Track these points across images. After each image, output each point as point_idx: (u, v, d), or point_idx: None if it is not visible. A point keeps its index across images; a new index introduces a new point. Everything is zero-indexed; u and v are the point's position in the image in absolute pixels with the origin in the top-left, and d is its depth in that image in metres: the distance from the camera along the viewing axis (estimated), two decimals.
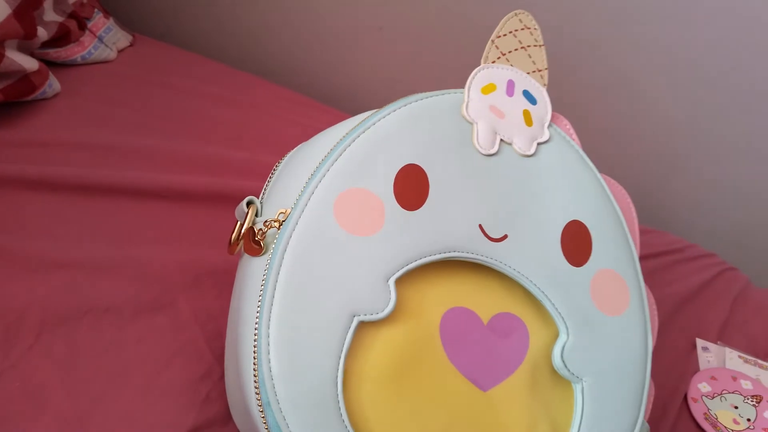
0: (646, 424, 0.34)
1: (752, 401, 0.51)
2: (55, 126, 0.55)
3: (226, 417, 0.36)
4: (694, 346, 0.57)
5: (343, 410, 0.27)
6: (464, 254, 0.32)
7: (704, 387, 0.52)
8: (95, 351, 0.37)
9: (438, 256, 0.31)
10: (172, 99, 0.65)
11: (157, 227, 0.47)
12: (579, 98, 0.79)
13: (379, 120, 0.33)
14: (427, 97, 0.34)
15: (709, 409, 0.50)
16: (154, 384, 0.36)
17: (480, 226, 0.32)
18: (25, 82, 0.54)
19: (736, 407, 0.51)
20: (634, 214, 0.38)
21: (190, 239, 0.47)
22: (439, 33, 0.79)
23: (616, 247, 0.35)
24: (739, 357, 0.56)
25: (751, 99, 0.74)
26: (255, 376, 0.27)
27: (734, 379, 0.53)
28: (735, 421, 0.49)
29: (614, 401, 0.33)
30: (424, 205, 0.31)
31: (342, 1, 0.81)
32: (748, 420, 0.50)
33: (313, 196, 0.30)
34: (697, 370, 0.54)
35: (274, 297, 0.28)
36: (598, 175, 0.37)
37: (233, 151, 0.59)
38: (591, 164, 0.37)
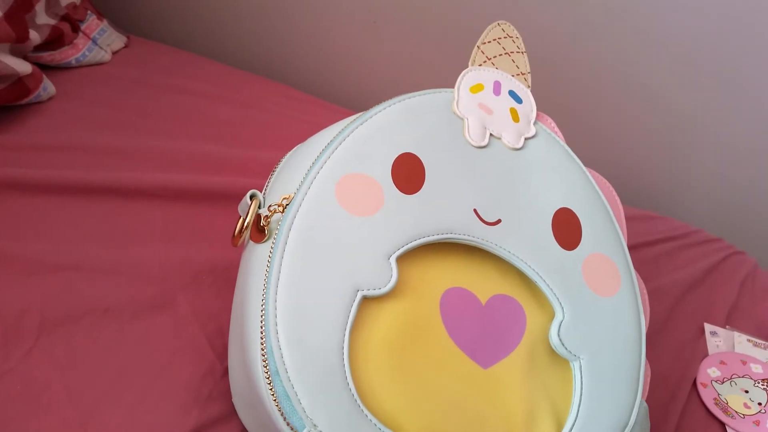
0: (645, 404, 0.34)
1: (763, 385, 0.51)
2: (51, 129, 0.54)
3: (229, 415, 0.36)
4: (703, 330, 0.56)
5: (349, 379, 0.27)
6: (461, 236, 0.33)
7: (713, 372, 0.51)
8: (95, 352, 0.37)
9: (436, 237, 0.32)
10: (167, 99, 0.64)
11: (154, 227, 0.47)
12: (586, 91, 0.79)
13: (376, 114, 0.35)
14: (420, 95, 0.37)
15: (719, 394, 0.49)
16: (156, 384, 0.36)
17: (475, 210, 0.34)
18: (19, 85, 0.54)
19: (747, 391, 0.50)
20: (620, 205, 0.40)
21: (188, 238, 0.46)
22: (434, 26, 0.79)
23: (604, 234, 0.37)
24: (748, 341, 0.55)
25: (755, 85, 0.73)
26: (263, 348, 0.28)
27: (744, 363, 0.53)
28: (746, 405, 0.49)
29: (612, 379, 0.33)
30: (420, 190, 0.33)
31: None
32: (759, 404, 0.49)
33: (315, 181, 0.31)
34: (705, 354, 0.53)
35: (280, 272, 0.29)
36: (584, 168, 0.39)
37: (230, 149, 0.58)
38: (576, 158, 0.39)
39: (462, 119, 0.37)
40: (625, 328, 0.35)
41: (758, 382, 0.51)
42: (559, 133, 0.40)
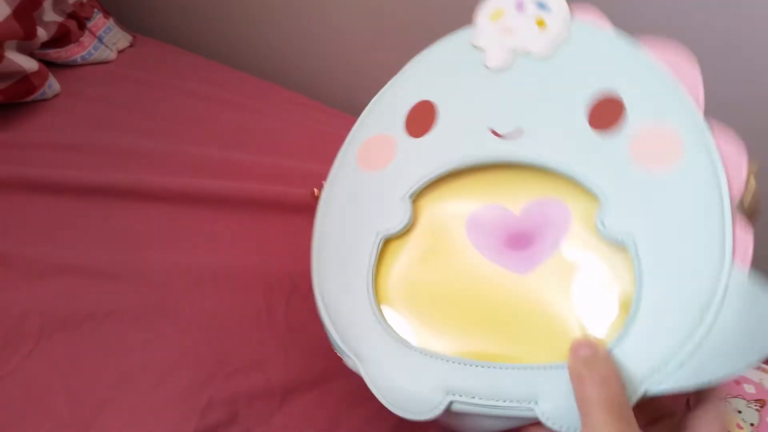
0: (749, 273, 0.29)
1: (755, 405, 0.51)
2: (55, 127, 0.54)
3: (228, 422, 0.36)
4: None
5: (375, 309, 0.31)
6: (478, 159, 0.33)
7: None
8: (96, 356, 0.36)
9: (448, 168, 0.33)
10: (172, 100, 0.64)
11: (158, 230, 0.46)
12: None
13: (401, 74, 0.37)
14: (437, 43, 0.38)
15: None
16: (156, 390, 0.36)
17: (492, 130, 0.34)
18: (25, 82, 0.54)
19: (740, 411, 0.50)
20: (698, 77, 0.35)
21: (191, 242, 0.46)
22: (442, 34, 0.79)
23: (661, 102, 0.33)
24: None
25: (754, 85, 0.74)
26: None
27: (737, 383, 0.53)
28: (738, 426, 0.49)
29: (682, 251, 0.30)
30: (432, 130, 0.34)
31: (347, 3, 0.81)
32: (752, 425, 0.49)
33: (342, 151, 0.36)
34: None
35: (314, 231, 0.35)
36: (637, 45, 0.35)
37: (234, 153, 0.58)
38: (625, 39, 0.35)
39: (481, 49, 0.36)
40: (695, 195, 0.31)
41: (751, 403, 0.51)
42: (605, 20, 0.36)
